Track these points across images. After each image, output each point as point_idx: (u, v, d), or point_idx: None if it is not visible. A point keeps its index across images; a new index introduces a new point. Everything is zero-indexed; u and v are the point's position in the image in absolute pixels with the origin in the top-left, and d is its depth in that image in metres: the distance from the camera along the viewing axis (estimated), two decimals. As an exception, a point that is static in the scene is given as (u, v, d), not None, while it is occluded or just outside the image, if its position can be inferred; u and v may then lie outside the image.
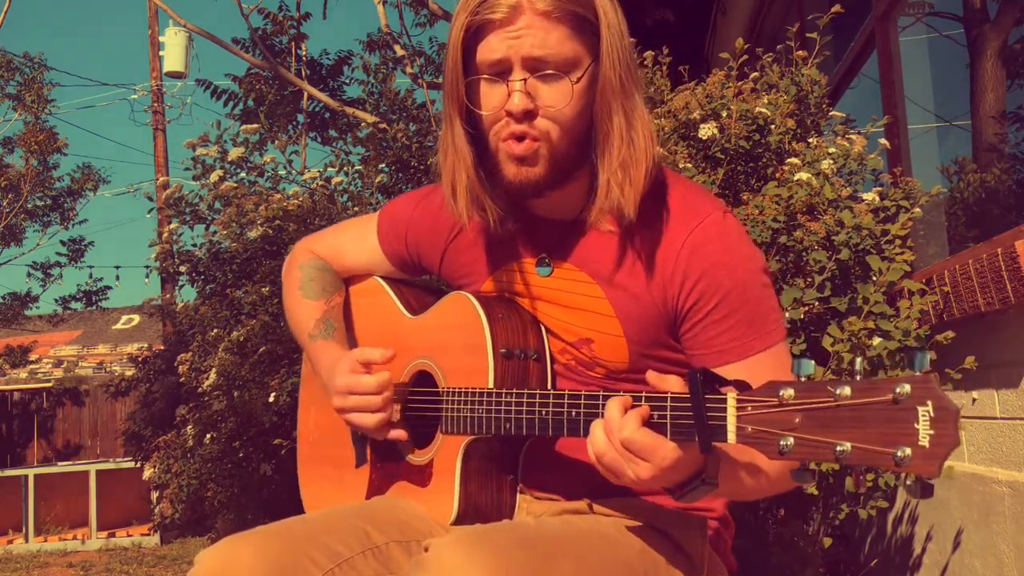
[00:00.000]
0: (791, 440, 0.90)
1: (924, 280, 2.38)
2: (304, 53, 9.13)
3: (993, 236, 2.28)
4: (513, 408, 1.19)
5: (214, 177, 4.24)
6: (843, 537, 2.84)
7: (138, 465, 6.27)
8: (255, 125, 4.65)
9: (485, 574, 0.99)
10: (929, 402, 0.83)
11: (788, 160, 2.37)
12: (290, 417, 3.55)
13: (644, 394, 1.04)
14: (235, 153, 4.29)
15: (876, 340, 2.09)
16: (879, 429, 0.85)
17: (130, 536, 6.87)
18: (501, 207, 1.24)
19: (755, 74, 2.70)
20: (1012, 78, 3.07)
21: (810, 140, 2.50)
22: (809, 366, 0.92)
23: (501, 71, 1.15)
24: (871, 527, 2.88)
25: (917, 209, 2.31)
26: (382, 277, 1.51)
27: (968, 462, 2.38)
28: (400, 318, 1.44)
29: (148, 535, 6.81)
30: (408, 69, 5.47)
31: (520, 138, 1.16)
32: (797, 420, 0.90)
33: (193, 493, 4.28)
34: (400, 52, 5.54)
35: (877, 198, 2.31)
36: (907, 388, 0.84)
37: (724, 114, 2.40)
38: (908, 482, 0.87)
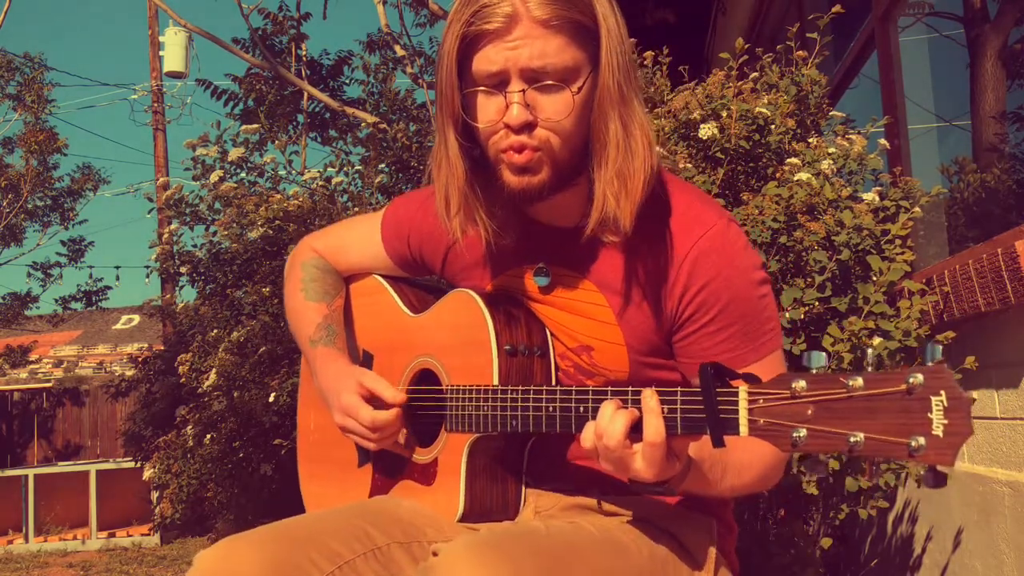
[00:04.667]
0: (804, 432, 0.90)
1: (924, 280, 2.38)
2: (304, 53, 9.13)
3: (993, 236, 2.28)
4: (520, 405, 1.18)
5: (214, 177, 4.24)
6: (843, 537, 2.84)
7: (138, 465, 6.28)
8: (255, 125, 4.65)
9: None
10: (942, 391, 0.83)
11: (788, 160, 2.37)
12: (290, 417, 3.55)
13: (654, 388, 1.04)
14: (235, 153, 4.29)
15: (876, 340, 2.09)
16: (893, 419, 0.85)
17: (130, 536, 6.87)
18: (498, 220, 1.22)
19: (755, 74, 2.70)
20: (1012, 78, 3.07)
21: (810, 140, 2.50)
22: (820, 358, 0.92)
23: (498, 82, 1.12)
24: (871, 527, 2.88)
25: (917, 209, 2.31)
26: (383, 275, 1.51)
27: (968, 462, 2.38)
28: (401, 316, 1.44)
29: (148, 535, 6.81)
30: (408, 69, 5.47)
31: (519, 149, 1.13)
32: (810, 412, 0.90)
33: (193, 493, 4.29)
34: (400, 52, 5.54)
35: (877, 198, 2.31)
36: (920, 378, 0.84)
37: (724, 114, 2.40)
38: (921, 472, 0.87)
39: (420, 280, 1.56)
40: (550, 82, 1.11)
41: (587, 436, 1.05)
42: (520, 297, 1.31)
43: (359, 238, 1.51)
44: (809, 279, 2.18)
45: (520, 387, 1.19)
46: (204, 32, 6.10)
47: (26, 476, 7.05)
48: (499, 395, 1.21)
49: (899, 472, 2.08)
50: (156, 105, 13.47)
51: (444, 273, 1.43)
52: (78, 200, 15.37)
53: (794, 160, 2.35)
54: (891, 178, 2.45)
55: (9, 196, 14.23)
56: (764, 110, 2.40)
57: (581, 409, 1.11)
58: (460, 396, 1.26)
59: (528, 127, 1.13)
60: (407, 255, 1.46)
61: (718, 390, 0.97)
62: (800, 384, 0.91)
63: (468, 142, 1.19)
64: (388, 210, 1.50)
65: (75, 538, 6.86)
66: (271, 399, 3.52)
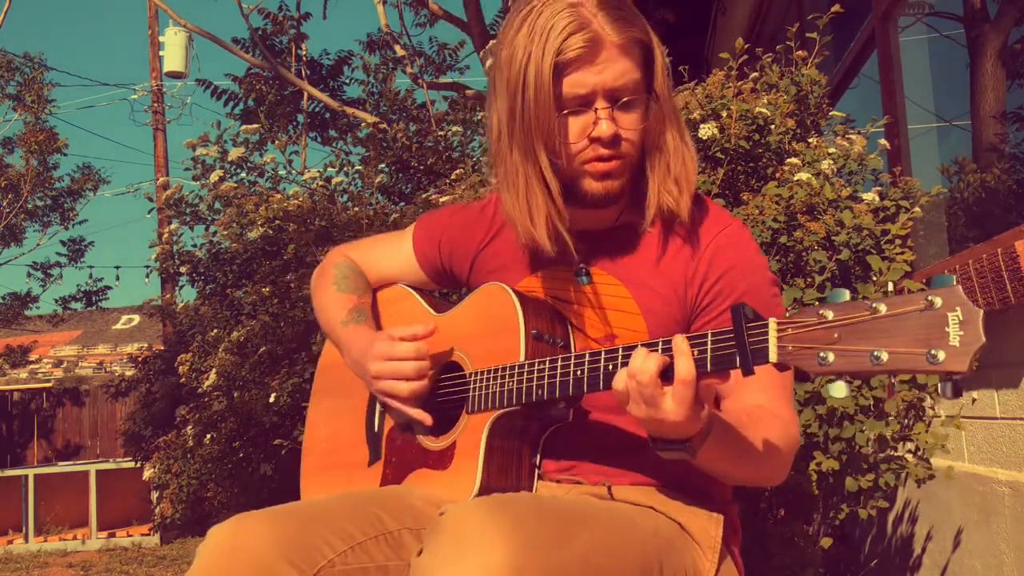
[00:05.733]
0: (830, 354, 0.96)
1: (924, 280, 2.38)
2: (304, 53, 9.14)
3: (993, 236, 2.28)
4: (546, 373, 1.22)
5: (214, 177, 4.24)
6: (843, 537, 2.84)
7: (138, 465, 6.28)
8: (255, 125, 4.66)
9: (503, 538, 0.99)
10: (958, 307, 0.91)
11: (788, 160, 2.37)
12: (290, 417, 3.55)
13: (684, 335, 1.10)
14: (235, 153, 4.30)
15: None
16: (914, 335, 0.92)
17: (130, 536, 6.87)
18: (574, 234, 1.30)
19: (755, 74, 2.69)
20: (1012, 78, 3.07)
21: (810, 140, 2.50)
22: (843, 295, 1.00)
23: (584, 103, 1.24)
24: (871, 527, 2.89)
25: (917, 209, 2.31)
26: (408, 284, 1.56)
27: (968, 462, 2.38)
28: (427, 317, 1.48)
29: (148, 535, 6.81)
30: (408, 69, 5.48)
31: (608, 159, 1.26)
32: (836, 335, 0.97)
33: (193, 493, 4.29)
34: (400, 52, 5.54)
35: (877, 198, 2.31)
36: (939, 298, 0.92)
37: (724, 114, 2.40)
38: (940, 383, 0.94)
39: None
40: (628, 98, 1.24)
41: (619, 379, 1.11)
42: (546, 295, 1.37)
43: (390, 248, 1.59)
44: (809, 279, 2.18)
45: (548, 358, 1.23)
46: (204, 32, 6.10)
47: (26, 476, 7.05)
48: (524, 368, 1.25)
49: (899, 472, 2.08)
50: (156, 105, 13.48)
51: (471, 279, 1.49)
52: (78, 200, 15.38)
53: (794, 160, 2.35)
54: (891, 178, 2.45)
55: (9, 196, 14.24)
56: (764, 110, 2.40)
57: (610, 367, 1.17)
58: (484, 376, 1.29)
59: (616, 140, 1.25)
60: (437, 262, 1.52)
61: (748, 324, 1.03)
62: (827, 312, 0.98)
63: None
64: (419, 221, 1.59)
65: (75, 538, 6.86)
66: (271, 399, 3.52)
